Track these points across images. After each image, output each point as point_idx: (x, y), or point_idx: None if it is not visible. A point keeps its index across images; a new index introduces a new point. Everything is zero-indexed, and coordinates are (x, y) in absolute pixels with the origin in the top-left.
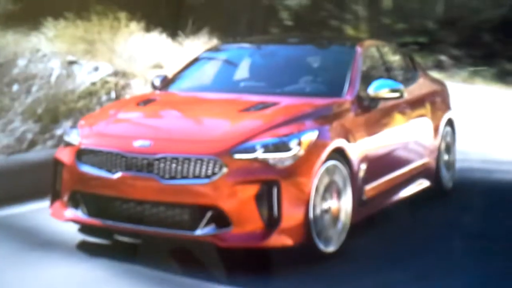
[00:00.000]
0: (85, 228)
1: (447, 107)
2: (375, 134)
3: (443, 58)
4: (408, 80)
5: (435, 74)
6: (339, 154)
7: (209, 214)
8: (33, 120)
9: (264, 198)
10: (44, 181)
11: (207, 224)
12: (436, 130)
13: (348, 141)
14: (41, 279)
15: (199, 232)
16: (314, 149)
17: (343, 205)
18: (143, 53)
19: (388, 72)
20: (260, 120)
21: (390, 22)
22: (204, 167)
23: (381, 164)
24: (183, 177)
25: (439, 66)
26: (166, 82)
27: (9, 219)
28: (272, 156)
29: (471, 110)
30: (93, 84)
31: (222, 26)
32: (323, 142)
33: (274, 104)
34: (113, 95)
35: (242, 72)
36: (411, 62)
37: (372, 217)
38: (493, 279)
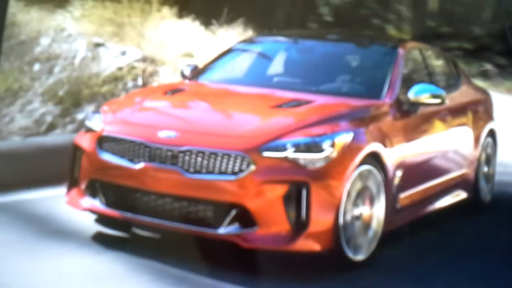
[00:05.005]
0: (102, 219)
1: (489, 117)
2: (413, 141)
3: (488, 66)
4: (450, 87)
5: (479, 82)
6: (374, 159)
7: (233, 212)
8: (53, 102)
9: (293, 199)
10: (61, 167)
11: (231, 222)
12: (476, 140)
13: (385, 145)
14: (52, 270)
15: (222, 230)
16: (348, 152)
17: (375, 213)
18: (174, 40)
19: (430, 76)
20: (292, 117)
21: (434, 25)
22: (231, 163)
23: (417, 172)
24: (208, 172)
25: (484, 74)
26: (197, 72)
27: (23, 205)
28: (303, 156)
29: None
30: (120, 68)
31: (258, 17)
32: (358, 145)
33: (308, 102)
34: (139, 81)
35: (276, 66)
36: (454, 68)
37: (405, 227)
38: None
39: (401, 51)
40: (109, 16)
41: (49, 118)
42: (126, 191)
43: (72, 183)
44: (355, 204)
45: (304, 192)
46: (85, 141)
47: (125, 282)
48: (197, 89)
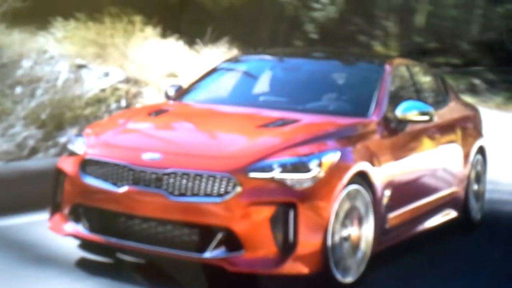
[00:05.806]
0: (85, 244)
1: (479, 133)
2: (401, 159)
3: (476, 81)
4: (438, 103)
5: (467, 98)
6: (362, 178)
7: (219, 235)
8: (36, 126)
9: (280, 221)
10: (44, 191)
11: (217, 246)
12: (466, 157)
13: (372, 164)
14: None
15: (208, 254)
16: (336, 171)
17: (364, 233)
18: (157, 60)
19: (418, 93)
20: (278, 137)
21: (422, 40)
22: (216, 185)
23: (406, 191)
24: (193, 195)
25: (472, 90)
26: (181, 92)
27: (5, 231)
28: (290, 177)
29: (504, 139)
30: (103, 90)
31: (243, 36)
32: (346, 165)
33: (294, 121)
34: (123, 103)
35: (262, 85)
36: (442, 84)
37: (394, 248)
38: None
39: (388, 68)
40: (92, 37)
41: (31, 142)
42: (110, 215)
43: (55, 208)
44: (344, 225)
45: (291, 214)
46: (68, 165)
47: None
48: (181, 109)
